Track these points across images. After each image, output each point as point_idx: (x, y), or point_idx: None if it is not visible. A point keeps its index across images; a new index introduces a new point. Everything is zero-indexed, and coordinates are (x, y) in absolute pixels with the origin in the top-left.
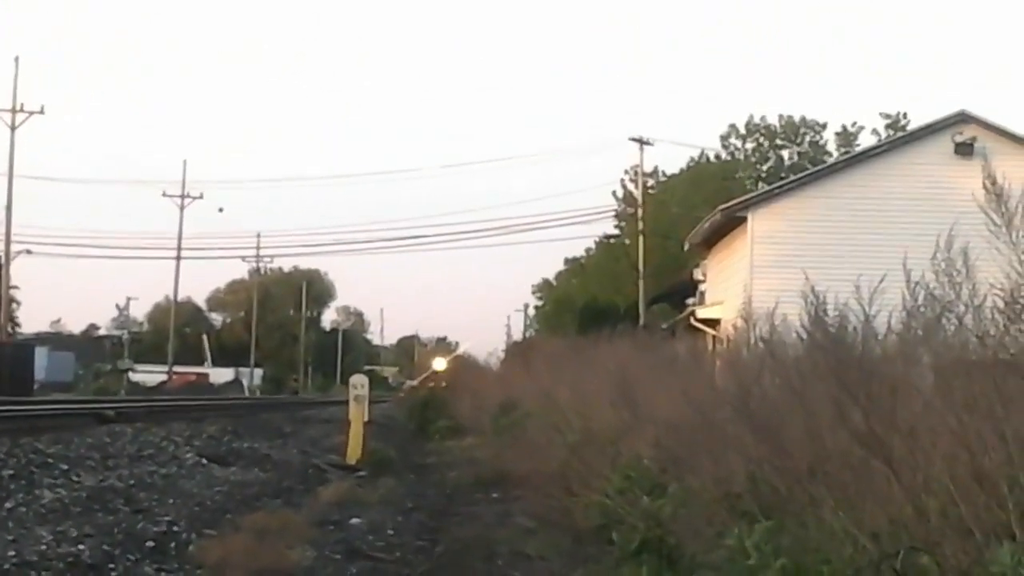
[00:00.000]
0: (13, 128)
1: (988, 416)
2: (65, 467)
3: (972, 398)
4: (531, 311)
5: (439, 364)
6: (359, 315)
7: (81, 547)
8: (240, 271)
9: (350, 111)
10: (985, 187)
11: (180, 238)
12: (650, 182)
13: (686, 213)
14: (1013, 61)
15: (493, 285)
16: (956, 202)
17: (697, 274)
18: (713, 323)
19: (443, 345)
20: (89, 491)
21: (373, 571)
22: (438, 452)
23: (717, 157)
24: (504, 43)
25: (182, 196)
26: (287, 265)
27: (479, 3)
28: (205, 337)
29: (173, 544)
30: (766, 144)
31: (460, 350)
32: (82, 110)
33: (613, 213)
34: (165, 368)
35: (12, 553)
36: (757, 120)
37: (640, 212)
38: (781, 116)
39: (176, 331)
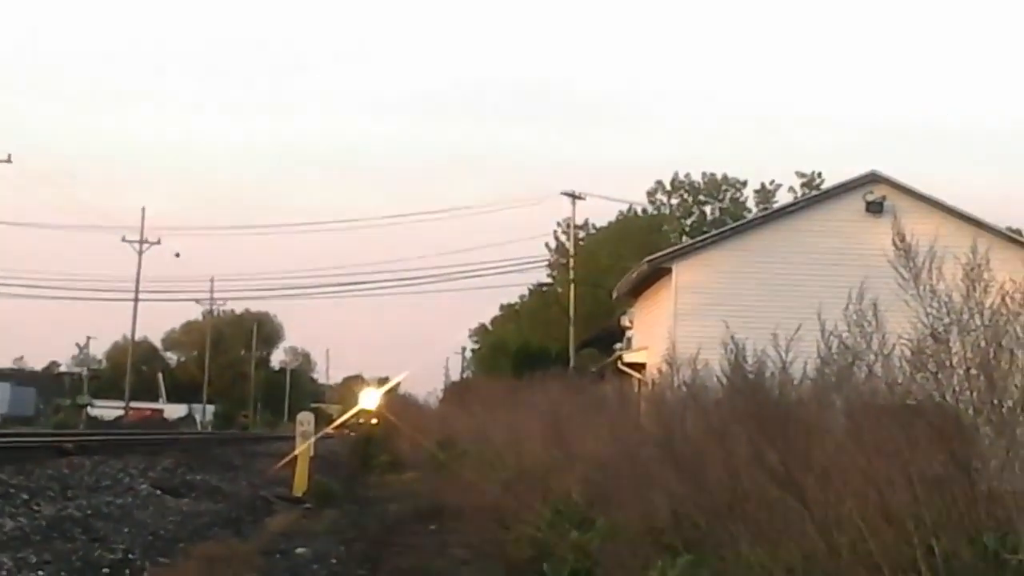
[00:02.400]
0: None
1: (896, 458)
2: (26, 497)
3: (881, 441)
4: (468, 354)
5: (368, 400)
6: (306, 355)
7: (40, 573)
8: (194, 313)
9: (298, 165)
10: (895, 243)
11: (138, 281)
12: (581, 234)
13: (615, 263)
14: (920, 123)
15: (433, 329)
16: (867, 257)
17: (624, 321)
18: (639, 367)
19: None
20: (49, 520)
21: None
22: (379, 486)
23: (644, 211)
24: (446, 99)
25: (140, 241)
26: (239, 308)
27: (421, 57)
28: (160, 375)
29: (128, 571)
30: (690, 200)
31: (390, 384)
32: (47, 158)
33: (546, 263)
34: (122, 404)
35: None
36: (682, 177)
37: (571, 262)
38: (704, 174)
39: (133, 368)
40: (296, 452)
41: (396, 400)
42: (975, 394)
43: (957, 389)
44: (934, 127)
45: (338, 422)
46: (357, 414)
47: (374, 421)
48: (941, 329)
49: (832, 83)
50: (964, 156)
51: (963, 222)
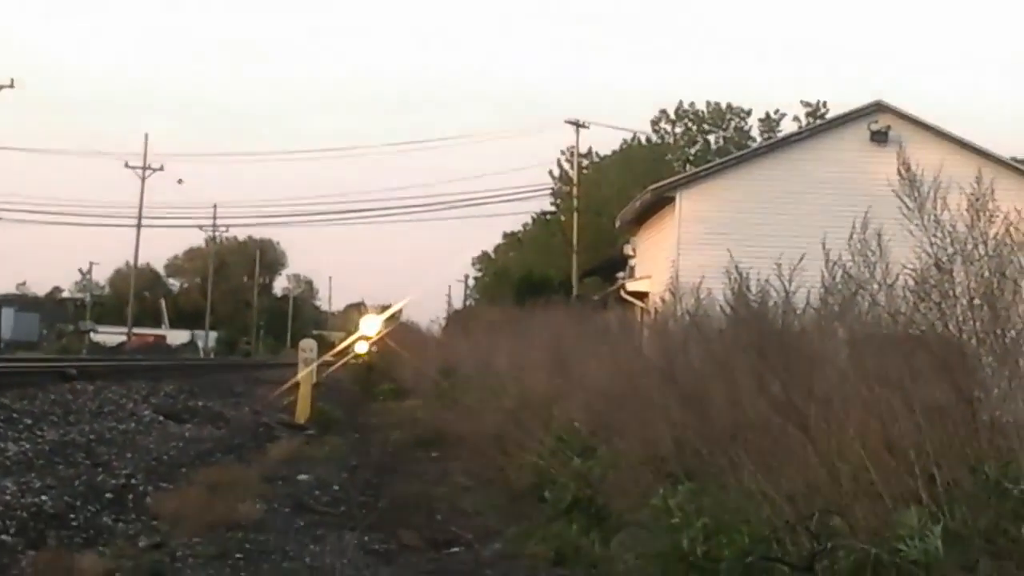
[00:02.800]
0: None
1: (898, 388)
2: (29, 422)
3: (883, 371)
4: (471, 282)
5: (369, 326)
6: (309, 283)
7: (44, 498)
8: (197, 240)
9: (302, 91)
10: (900, 173)
11: (141, 207)
12: (585, 162)
13: (618, 192)
14: (926, 53)
15: (436, 257)
16: (871, 187)
17: (627, 250)
18: (642, 296)
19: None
20: (52, 445)
21: (319, 524)
22: (382, 413)
23: (648, 140)
24: (449, 29)
25: (143, 168)
26: (242, 235)
27: None
28: (163, 301)
29: (131, 496)
30: (694, 129)
31: (391, 311)
32: (50, 84)
33: (550, 191)
34: (125, 330)
35: None
36: (686, 106)
37: (575, 191)
38: (708, 102)
39: (136, 295)
40: (297, 378)
41: (398, 327)
42: (978, 324)
43: (960, 319)
44: (940, 55)
45: (336, 349)
46: (356, 342)
47: (374, 349)
48: (945, 259)
49: (837, 10)
50: (970, 85)
51: (968, 152)
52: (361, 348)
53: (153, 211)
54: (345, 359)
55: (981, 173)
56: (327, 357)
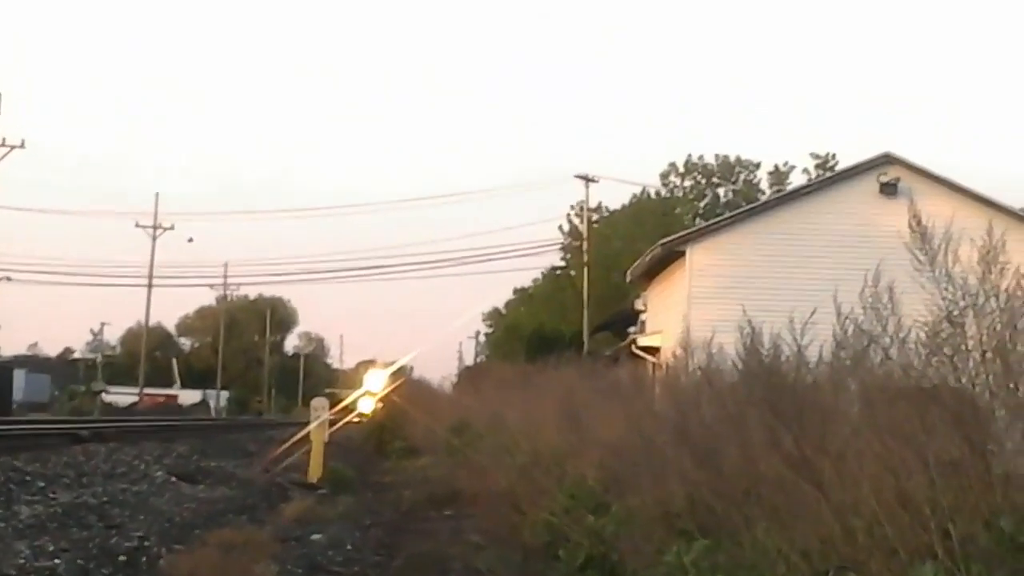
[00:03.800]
0: None
1: (911, 442)
2: (42, 484)
3: (897, 425)
4: (482, 338)
5: (374, 382)
6: (320, 341)
7: (57, 561)
8: (208, 298)
9: (311, 150)
10: (911, 226)
11: (152, 267)
12: (595, 217)
13: (628, 247)
14: (936, 104)
15: (447, 312)
16: (881, 239)
17: (639, 304)
18: (653, 351)
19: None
20: (65, 507)
21: None
22: (394, 471)
23: (657, 194)
24: (462, 86)
25: (154, 227)
26: (252, 293)
27: (435, 47)
28: (174, 361)
29: (144, 558)
30: (703, 182)
31: (396, 365)
32: (61, 145)
33: (560, 246)
34: (136, 390)
35: None
36: (695, 159)
37: (585, 245)
38: (718, 156)
39: (147, 355)
40: (301, 435)
41: (409, 384)
42: (991, 377)
43: (973, 373)
44: (948, 108)
45: (340, 406)
46: (361, 397)
47: (379, 406)
48: (957, 312)
49: (846, 64)
50: (978, 137)
51: (978, 203)
52: (366, 406)
53: (164, 270)
54: (347, 417)
55: (992, 225)
56: (327, 415)
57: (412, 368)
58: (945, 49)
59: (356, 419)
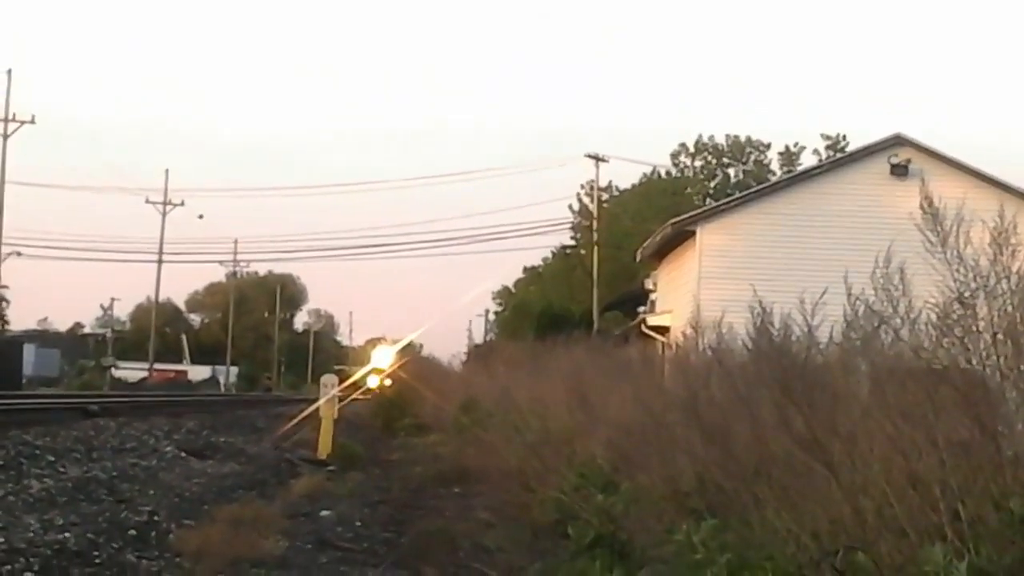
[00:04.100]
0: (5, 136)
1: (921, 423)
2: (52, 458)
3: (907, 406)
4: (491, 316)
5: (381, 359)
6: (329, 317)
7: (67, 535)
8: (218, 275)
9: (322, 125)
10: (922, 207)
11: (162, 243)
12: (605, 196)
13: (638, 226)
14: (946, 86)
15: (456, 291)
16: (892, 220)
17: (648, 284)
18: (663, 330)
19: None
20: (74, 481)
21: (342, 561)
22: (403, 448)
23: (668, 174)
24: (471, 63)
25: (164, 203)
26: (262, 269)
27: (447, 25)
28: (184, 336)
29: (154, 533)
30: (714, 162)
31: (403, 342)
32: (71, 120)
33: (570, 225)
34: (146, 365)
35: (1, 540)
36: (705, 139)
37: (595, 224)
38: (728, 136)
39: (157, 330)
40: (309, 411)
41: (419, 362)
42: (1002, 359)
43: (983, 354)
44: (960, 88)
45: (348, 382)
46: (369, 374)
47: (388, 382)
48: (968, 294)
49: (857, 44)
50: (991, 119)
51: (990, 185)
52: (373, 381)
53: (174, 246)
54: (355, 393)
55: (1003, 207)
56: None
57: (421, 346)
58: (957, 30)
59: (362, 395)
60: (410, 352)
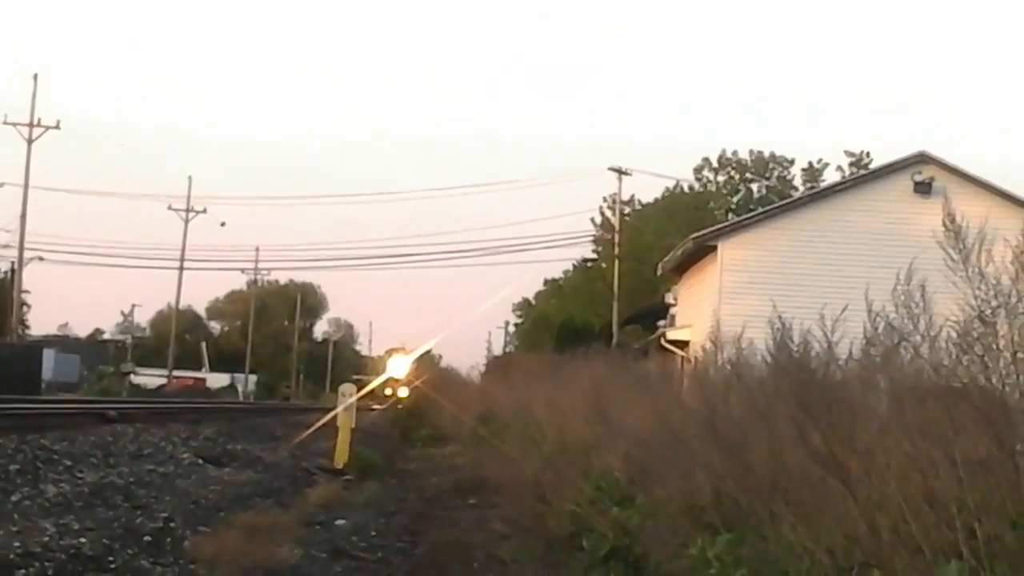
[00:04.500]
0: (30, 142)
1: (940, 441)
2: (69, 463)
3: (925, 423)
4: (511, 328)
5: (397, 368)
6: (349, 327)
7: (82, 540)
8: (239, 283)
9: (345, 135)
10: (945, 225)
11: (183, 250)
12: (627, 210)
13: (660, 240)
14: (970, 104)
15: (477, 302)
16: (914, 237)
17: (669, 298)
18: (683, 344)
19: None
20: (91, 487)
21: (357, 570)
22: (420, 459)
23: (691, 188)
24: (494, 77)
25: (187, 210)
26: (283, 278)
27: (469, 37)
28: (204, 344)
29: (169, 539)
30: (737, 177)
31: (419, 351)
32: (95, 126)
33: (591, 238)
34: (165, 372)
35: (17, 544)
36: (729, 154)
37: (617, 238)
38: (752, 151)
39: (177, 337)
40: (326, 420)
41: (437, 373)
42: (1022, 378)
43: (1004, 372)
44: (984, 109)
45: (364, 391)
46: (385, 384)
47: (403, 393)
48: (989, 312)
49: (881, 62)
50: (1014, 137)
51: (1012, 204)
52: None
53: (196, 254)
54: (372, 403)
55: None
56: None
57: (440, 357)
58: (981, 49)
59: (376, 406)
60: (428, 363)
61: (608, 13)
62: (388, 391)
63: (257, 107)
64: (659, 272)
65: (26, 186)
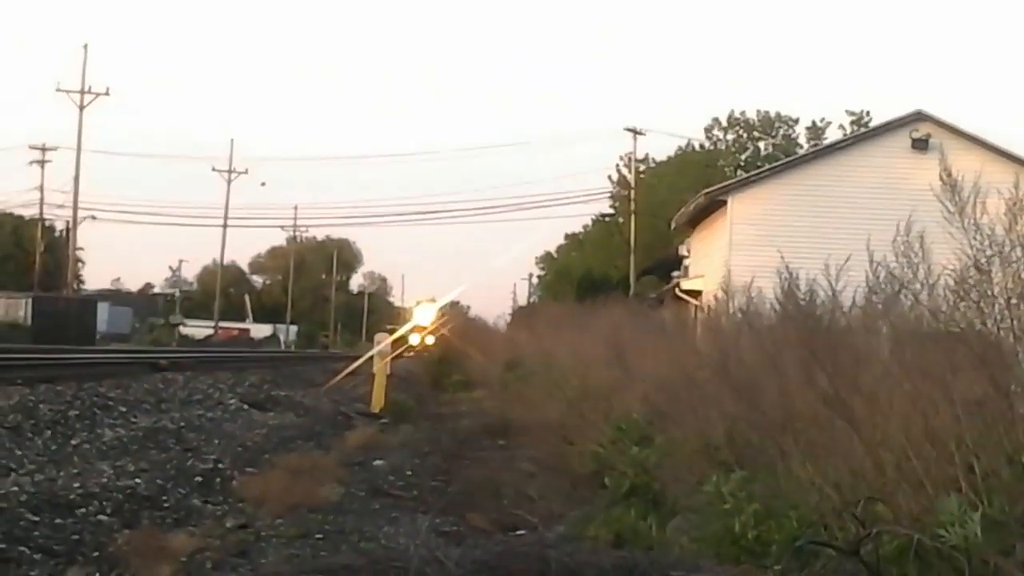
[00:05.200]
0: (81, 108)
1: (939, 382)
2: (124, 409)
3: (925, 366)
4: (535, 280)
5: (423, 316)
6: (383, 280)
7: (137, 480)
8: (279, 239)
9: (379, 98)
10: (941, 179)
11: (227, 208)
12: (642, 167)
13: (673, 196)
14: (966, 63)
15: (502, 256)
16: (912, 191)
17: (682, 250)
18: (696, 294)
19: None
20: (144, 431)
21: (393, 507)
22: (451, 403)
23: (701, 147)
24: (517, 43)
25: (229, 171)
26: (321, 234)
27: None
28: (247, 297)
29: (218, 480)
30: (745, 136)
31: (445, 299)
32: (143, 91)
33: (608, 194)
34: (212, 323)
35: (77, 485)
36: (737, 114)
37: (632, 194)
38: (759, 111)
39: (222, 291)
40: (359, 363)
41: (466, 322)
42: (1015, 322)
43: (998, 317)
44: (979, 67)
45: (394, 336)
46: (411, 331)
47: (430, 340)
48: (984, 260)
49: (880, 24)
50: (1008, 95)
51: (1006, 159)
52: (414, 339)
53: (238, 212)
54: (400, 349)
55: (1019, 178)
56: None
57: (469, 307)
58: (975, 12)
59: (406, 352)
60: (457, 312)
61: None
62: (415, 339)
63: (296, 73)
64: (673, 226)
65: (79, 150)
